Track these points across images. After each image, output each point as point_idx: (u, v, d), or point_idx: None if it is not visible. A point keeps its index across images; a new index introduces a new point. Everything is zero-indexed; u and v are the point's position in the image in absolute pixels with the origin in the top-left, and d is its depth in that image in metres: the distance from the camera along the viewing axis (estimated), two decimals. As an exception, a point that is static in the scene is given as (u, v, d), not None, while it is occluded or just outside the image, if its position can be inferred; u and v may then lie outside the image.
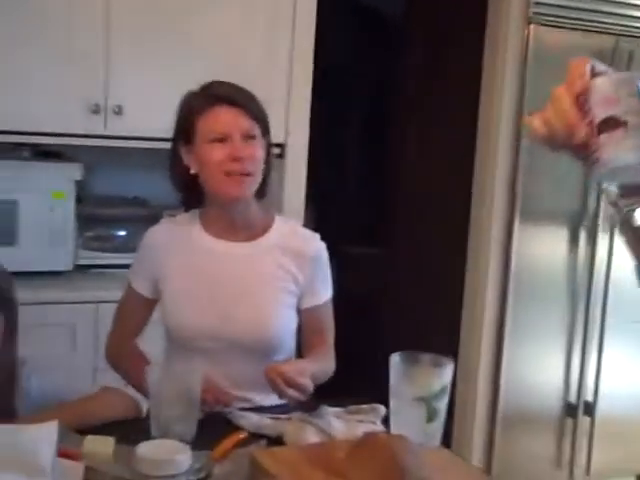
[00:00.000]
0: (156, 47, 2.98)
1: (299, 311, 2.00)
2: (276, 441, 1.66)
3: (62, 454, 1.41)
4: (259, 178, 1.94)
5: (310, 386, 1.75)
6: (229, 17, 3.06)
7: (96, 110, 2.93)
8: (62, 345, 2.79)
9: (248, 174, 1.90)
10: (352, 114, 4.84)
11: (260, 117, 1.94)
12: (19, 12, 2.82)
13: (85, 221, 3.10)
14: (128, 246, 3.18)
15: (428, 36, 4.01)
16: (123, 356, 2.04)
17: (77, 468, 1.40)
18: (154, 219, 3.19)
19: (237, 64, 2.94)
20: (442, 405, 1.50)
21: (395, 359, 1.50)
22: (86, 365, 2.80)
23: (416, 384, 1.49)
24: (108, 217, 3.19)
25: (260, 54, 3.09)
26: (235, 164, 1.88)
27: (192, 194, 2.00)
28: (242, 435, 1.63)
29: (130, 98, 2.96)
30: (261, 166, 1.94)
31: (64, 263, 3.01)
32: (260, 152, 1.93)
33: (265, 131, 1.96)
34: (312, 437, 1.65)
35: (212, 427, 1.70)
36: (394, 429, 1.52)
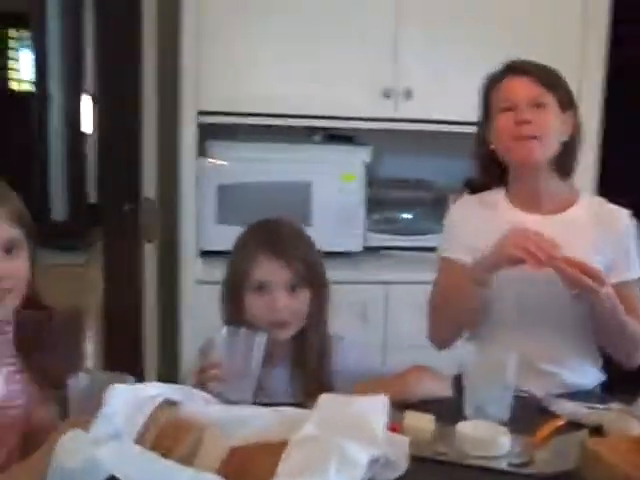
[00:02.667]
0: (445, 31, 2.97)
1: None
2: (595, 431, 1.59)
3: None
4: (551, 145, 1.94)
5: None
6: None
7: (387, 94, 2.97)
8: (353, 323, 2.85)
9: (535, 137, 1.91)
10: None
11: (554, 87, 1.95)
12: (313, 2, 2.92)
13: (373, 203, 3.15)
14: (414, 229, 3.21)
15: None
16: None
17: (403, 441, 1.41)
18: (439, 202, 3.23)
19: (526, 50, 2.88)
20: None
21: None
22: (376, 342, 2.87)
23: None
24: (395, 200, 3.22)
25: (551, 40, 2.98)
26: (520, 128, 1.90)
27: (494, 171, 2.05)
28: (561, 422, 1.58)
29: (420, 81, 2.97)
30: (554, 134, 1.93)
31: (354, 244, 3.08)
32: (551, 119, 1.93)
33: (565, 104, 1.96)
34: (636, 428, 1.57)
35: (524, 411, 1.67)
36: None
